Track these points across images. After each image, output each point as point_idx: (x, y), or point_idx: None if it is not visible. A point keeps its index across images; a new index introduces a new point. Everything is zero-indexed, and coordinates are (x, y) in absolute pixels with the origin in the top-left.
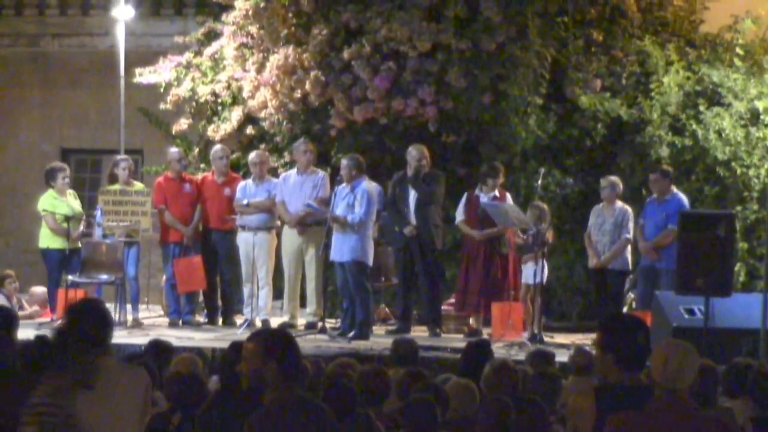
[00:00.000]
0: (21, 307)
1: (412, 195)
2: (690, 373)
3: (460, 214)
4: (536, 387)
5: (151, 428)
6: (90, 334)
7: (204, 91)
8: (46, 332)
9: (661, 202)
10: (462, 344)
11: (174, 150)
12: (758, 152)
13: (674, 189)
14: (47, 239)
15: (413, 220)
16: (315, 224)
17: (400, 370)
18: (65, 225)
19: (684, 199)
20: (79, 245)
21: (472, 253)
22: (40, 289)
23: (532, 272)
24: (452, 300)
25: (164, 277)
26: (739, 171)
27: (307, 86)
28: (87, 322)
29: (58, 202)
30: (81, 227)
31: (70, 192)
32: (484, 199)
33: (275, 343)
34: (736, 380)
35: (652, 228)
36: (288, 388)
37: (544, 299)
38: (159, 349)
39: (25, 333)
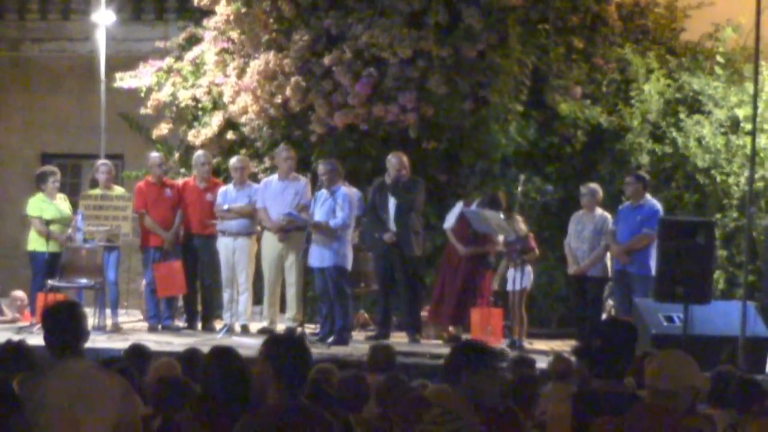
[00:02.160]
0: (1, 312)
1: (392, 202)
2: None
3: (449, 222)
4: (514, 393)
5: None
6: (61, 337)
7: (185, 96)
8: (21, 337)
9: (635, 207)
10: (441, 350)
11: (155, 155)
12: (738, 160)
13: (648, 195)
14: (34, 242)
15: (393, 226)
16: (296, 230)
17: (379, 377)
18: (51, 228)
19: (657, 204)
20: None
21: (453, 265)
22: (19, 294)
23: (515, 279)
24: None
25: (144, 282)
26: (719, 179)
27: (288, 92)
28: (59, 324)
29: (46, 205)
30: (69, 231)
31: (60, 196)
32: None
33: (273, 345)
34: (719, 389)
35: (625, 232)
36: (286, 393)
37: (527, 306)
38: (138, 353)
39: (4, 337)
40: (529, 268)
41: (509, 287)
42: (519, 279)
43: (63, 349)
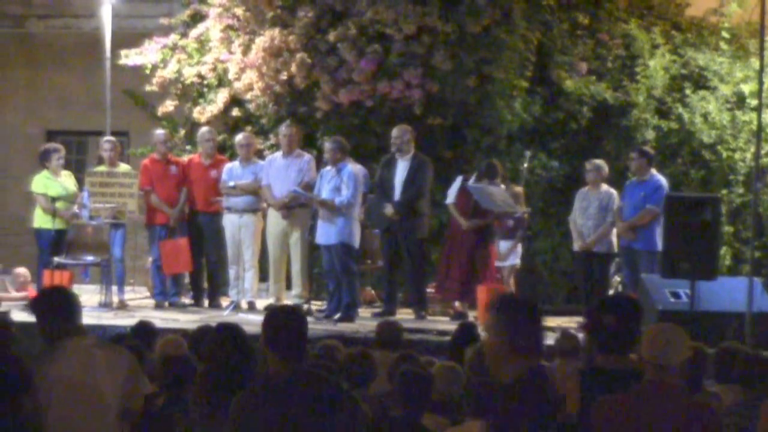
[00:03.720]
0: (4, 290)
1: (399, 178)
2: (678, 351)
3: (451, 197)
4: None
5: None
6: (54, 321)
7: (190, 73)
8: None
9: (639, 183)
10: (447, 327)
11: (159, 132)
12: (744, 136)
13: (653, 171)
14: (40, 219)
15: (398, 199)
16: (300, 207)
17: (386, 353)
18: (56, 206)
19: (662, 180)
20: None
21: (457, 240)
22: (22, 270)
23: (512, 255)
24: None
25: (150, 259)
26: (724, 155)
27: (293, 68)
28: (47, 311)
29: (51, 182)
30: (75, 208)
31: (65, 173)
32: (471, 182)
33: (267, 317)
34: (724, 365)
35: (630, 209)
36: (284, 363)
37: (527, 282)
38: (144, 330)
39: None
40: (519, 245)
41: (498, 263)
42: (515, 255)
43: (59, 331)
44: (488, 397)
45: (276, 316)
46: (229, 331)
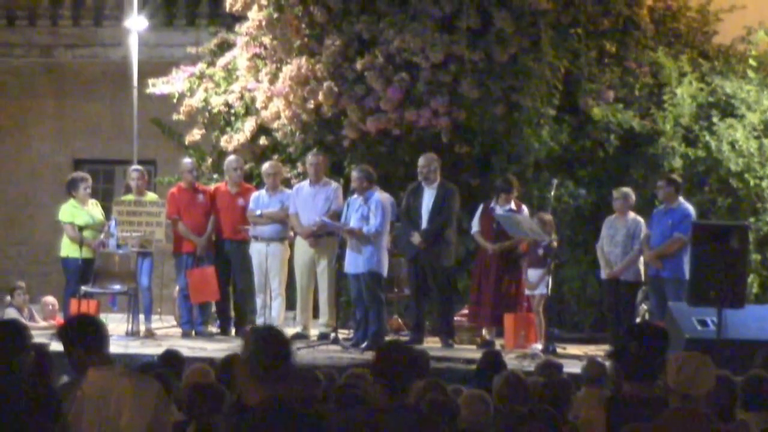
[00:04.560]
0: (32, 318)
1: (425, 206)
2: (705, 380)
3: (475, 225)
4: (547, 397)
5: None
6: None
7: (217, 102)
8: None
9: (667, 211)
10: (475, 355)
11: (187, 161)
12: None
13: (681, 199)
14: (67, 248)
15: (425, 226)
16: (327, 235)
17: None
18: (84, 234)
19: (690, 208)
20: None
21: (485, 265)
22: (50, 299)
23: (541, 283)
24: (465, 311)
25: (177, 288)
26: (752, 182)
27: (320, 97)
28: (74, 340)
29: (77, 211)
30: (101, 236)
31: (92, 201)
32: (499, 211)
33: (245, 339)
34: (753, 393)
35: (658, 237)
36: (263, 390)
37: (555, 310)
38: (171, 359)
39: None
40: (549, 274)
41: (528, 291)
42: (545, 284)
43: (87, 360)
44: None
45: (257, 337)
46: None
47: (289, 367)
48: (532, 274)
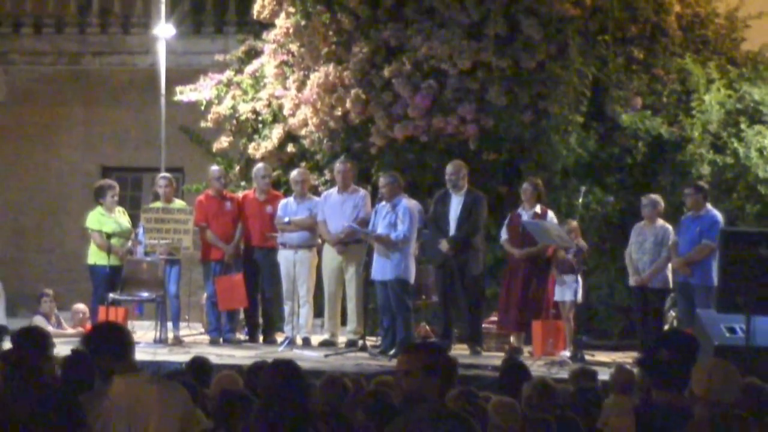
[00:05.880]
0: (59, 325)
1: (453, 213)
2: (733, 389)
3: (504, 234)
4: (576, 405)
5: None
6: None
7: (245, 109)
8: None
9: (695, 218)
10: None
11: (214, 168)
12: None
13: (709, 206)
14: (95, 256)
15: (453, 233)
16: (355, 242)
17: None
18: (111, 242)
19: (718, 215)
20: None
21: (513, 272)
22: (81, 306)
23: (570, 290)
24: (493, 318)
25: (205, 295)
26: None
27: (348, 104)
28: (99, 346)
29: (105, 218)
30: (129, 244)
31: (119, 209)
32: (525, 217)
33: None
34: None
35: (686, 244)
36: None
37: (583, 317)
38: (199, 366)
39: (65, 351)
40: (579, 281)
41: (558, 297)
42: (574, 291)
43: (113, 367)
44: None
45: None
46: (286, 366)
47: None
48: (564, 280)
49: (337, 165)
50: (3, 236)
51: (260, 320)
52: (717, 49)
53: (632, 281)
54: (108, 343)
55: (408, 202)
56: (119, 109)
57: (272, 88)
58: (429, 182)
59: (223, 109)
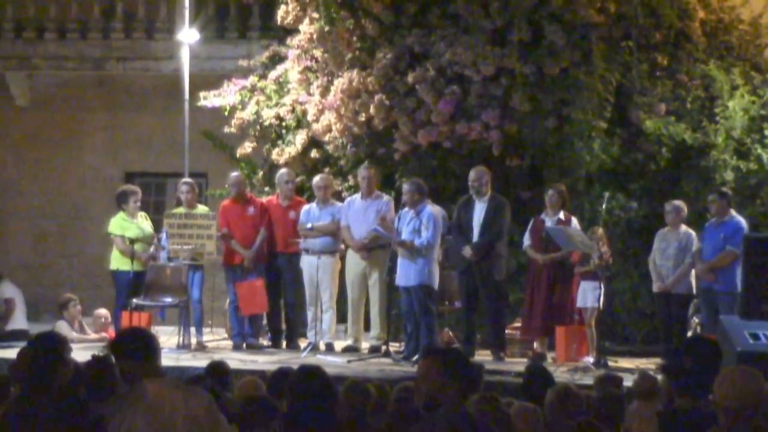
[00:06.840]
0: (82, 331)
1: (476, 219)
2: (757, 396)
3: (527, 239)
4: (599, 411)
5: None
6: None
7: (268, 115)
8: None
9: (719, 224)
10: None
11: (232, 174)
12: None
13: (733, 212)
14: (117, 261)
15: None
16: (378, 248)
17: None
18: (134, 248)
19: (742, 221)
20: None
21: (536, 277)
22: (103, 311)
23: (592, 296)
24: (517, 324)
25: (228, 300)
26: None
27: (372, 110)
28: (130, 352)
29: (127, 224)
30: (151, 249)
31: (142, 214)
32: (548, 223)
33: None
34: None
35: (710, 250)
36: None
37: (607, 323)
38: (218, 370)
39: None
40: (602, 287)
41: (580, 303)
42: (597, 297)
43: (138, 373)
44: None
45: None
46: (312, 371)
47: None
48: (587, 286)
49: (361, 171)
50: (26, 241)
51: (283, 326)
52: (741, 55)
53: (656, 287)
54: (135, 348)
55: (432, 208)
56: (143, 114)
57: (296, 93)
58: (452, 188)
59: (247, 114)
